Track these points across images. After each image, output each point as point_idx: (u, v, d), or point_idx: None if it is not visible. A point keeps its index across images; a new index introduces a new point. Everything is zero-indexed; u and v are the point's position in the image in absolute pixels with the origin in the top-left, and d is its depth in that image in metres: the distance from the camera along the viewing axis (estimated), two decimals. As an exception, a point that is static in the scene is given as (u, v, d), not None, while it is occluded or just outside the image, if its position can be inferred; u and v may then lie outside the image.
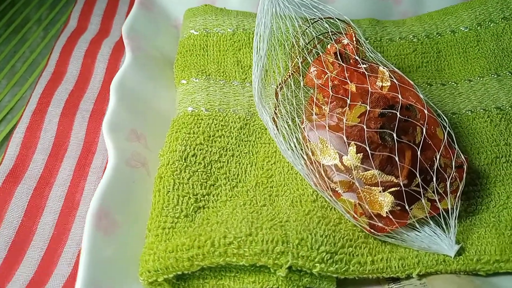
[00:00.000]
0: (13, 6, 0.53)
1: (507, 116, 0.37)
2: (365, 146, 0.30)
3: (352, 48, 0.35)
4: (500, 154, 0.35)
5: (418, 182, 0.30)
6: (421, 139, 0.30)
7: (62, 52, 0.45)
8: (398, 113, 0.30)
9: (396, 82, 0.32)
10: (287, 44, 0.36)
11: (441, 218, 0.30)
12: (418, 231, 0.30)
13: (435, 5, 0.46)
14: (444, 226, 0.30)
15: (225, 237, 0.27)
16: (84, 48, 0.45)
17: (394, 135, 0.29)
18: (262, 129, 0.36)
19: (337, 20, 0.38)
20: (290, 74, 0.36)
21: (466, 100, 0.39)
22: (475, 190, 0.34)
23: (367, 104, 0.31)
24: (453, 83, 0.41)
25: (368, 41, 0.43)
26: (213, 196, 0.32)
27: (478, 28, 0.43)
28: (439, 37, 0.43)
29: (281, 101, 0.35)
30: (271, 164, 0.34)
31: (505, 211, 0.32)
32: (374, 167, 0.30)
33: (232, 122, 0.36)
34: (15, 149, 0.38)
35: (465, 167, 0.31)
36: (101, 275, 0.27)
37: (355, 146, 0.30)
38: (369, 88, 0.32)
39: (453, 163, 0.31)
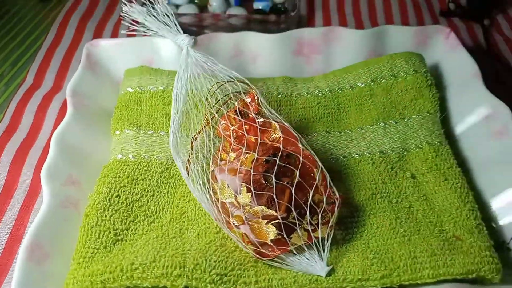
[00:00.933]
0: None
1: (387, 159, 0.45)
2: (251, 187, 0.37)
3: (254, 105, 0.43)
4: (377, 191, 0.42)
5: (294, 215, 0.37)
6: (295, 181, 0.37)
7: (18, 107, 0.52)
8: (277, 160, 0.37)
9: (281, 135, 0.40)
10: (201, 103, 0.44)
11: (314, 245, 0.37)
12: (298, 256, 0.37)
13: (340, 64, 0.54)
14: (319, 252, 0.37)
15: (133, 263, 0.34)
16: (37, 103, 0.52)
17: (273, 177, 0.37)
18: (181, 172, 0.43)
19: (240, 82, 0.45)
20: (203, 127, 0.43)
21: (357, 146, 0.47)
22: (353, 222, 0.41)
23: (256, 153, 0.38)
24: (348, 131, 0.48)
25: (280, 95, 0.50)
26: (131, 231, 0.38)
27: (372, 83, 0.51)
28: (340, 91, 0.51)
29: (196, 149, 0.42)
30: (186, 202, 0.41)
31: (373, 239, 0.39)
32: (260, 204, 0.37)
33: (154, 167, 0.43)
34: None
35: (337, 203, 0.38)
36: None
37: (245, 187, 0.37)
38: (259, 139, 0.39)
39: (325, 199, 0.38)
